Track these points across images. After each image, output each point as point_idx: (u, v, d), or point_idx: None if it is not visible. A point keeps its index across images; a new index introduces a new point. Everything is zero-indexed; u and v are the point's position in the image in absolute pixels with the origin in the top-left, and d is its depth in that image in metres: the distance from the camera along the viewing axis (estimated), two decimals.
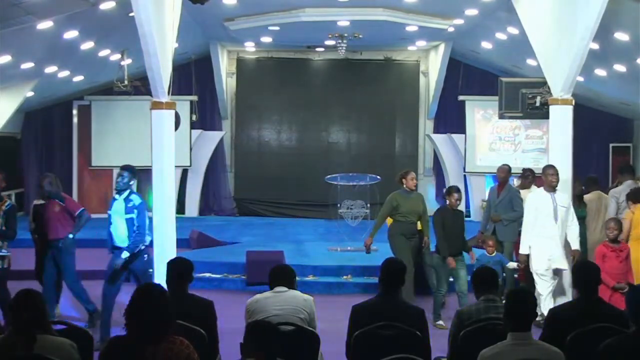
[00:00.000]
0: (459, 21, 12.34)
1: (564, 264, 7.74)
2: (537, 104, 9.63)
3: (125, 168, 7.70)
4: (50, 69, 11.89)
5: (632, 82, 10.86)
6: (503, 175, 9.78)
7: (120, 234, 7.44)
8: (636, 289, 4.07)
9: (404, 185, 8.80)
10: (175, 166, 8.69)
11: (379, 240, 12.12)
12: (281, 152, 16.83)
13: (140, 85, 12.22)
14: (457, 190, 8.41)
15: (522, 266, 8.05)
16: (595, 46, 9.60)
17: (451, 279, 8.51)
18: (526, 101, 10.01)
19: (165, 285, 4.99)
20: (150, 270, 7.81)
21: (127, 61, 12.62)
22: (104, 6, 9.07)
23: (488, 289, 4.97)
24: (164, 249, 8.16)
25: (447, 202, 8.38)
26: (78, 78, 13.68)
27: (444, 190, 9.04)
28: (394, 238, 8.70)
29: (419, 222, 8.92)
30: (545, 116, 8.85)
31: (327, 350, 5.14)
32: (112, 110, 15.56)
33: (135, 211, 7.40)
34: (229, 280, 10.15)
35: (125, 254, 7.30)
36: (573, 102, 8.29)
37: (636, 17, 8.56)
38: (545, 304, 7.47)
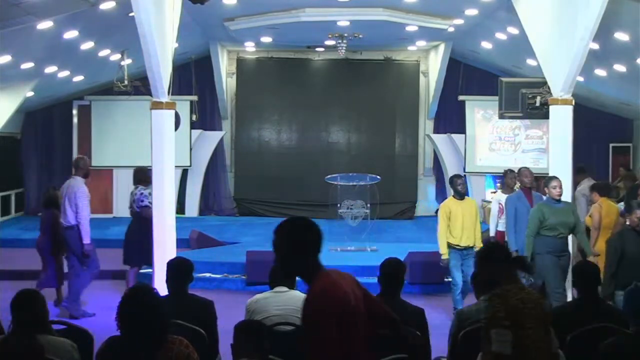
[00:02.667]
0: (459, 21, 12.33)
1: None
2: (537, 104, 9.64)
3: None
4: (50, 69, 11.89)
5: (632, 82, 10.86)
6: (531, 180, 8.43)
7: None
8: (636, 289, 4.07)
9: (547, 194, 7.60)
10: (175, 166, 8.70)
11: (379, 240, 12.17)
12: (281, 152, 16.83)
13: (140, 85, 12.21)
14: None
15: None
16: (595, 46, 9.59)
17: None
18: (526, 101, 10.02)
19: (165, 286, 5.01)
20: None
21: (127, 61, 12.63)
22: (104, 6, 9.07)
23: (488, 289, 4.96)
24: (164, 249, 8.17)
25: (628, 221, 6.71)
26: (78, 78, 13.68)
27: (624, 205, 7.39)
28: (541, 257, 7.36)
29: None
30: (545, 116, 8.86)
31: None
32: (112, 110, 15.56)
33: None
34: (229, 280, 10.15)
35: None
36: (573, 102, 8.29)
37: (636, 17, 8.56)
38: None
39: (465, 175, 16.01)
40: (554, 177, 7.61)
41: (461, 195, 8.33)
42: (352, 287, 3.17)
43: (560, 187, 7.46)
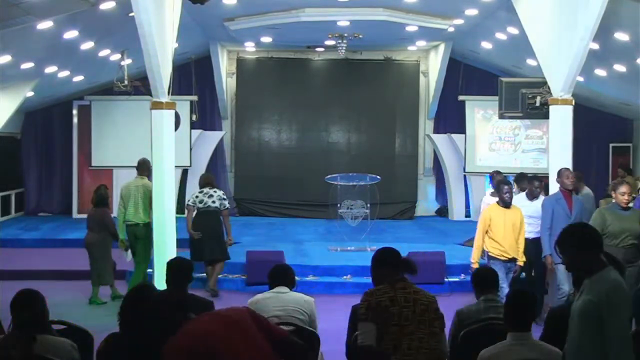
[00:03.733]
0: (459, 21, 12.33)
1: None
2: (537, 104, 9.64)
3: None
4: (50, 69, 11.88)
5: (632, 82, 10.86)
6: (572, 181, 7.66)
7: None
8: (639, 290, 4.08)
9: (613, 200, 7.04)
10: (175, 166, 8.72)
11: (379, 240, 12.15)
12: (281, 152, 16.82)
13: (140, 85, 12.20)
14: None
15: None
16: (595, 46, 9.60)
17: None
18: (526, 101, 10.03)
19: (165, 286, 5.00)
20: None
21: (127, 61, 12.61)
22: (104, 6, 9.06)
23: (488, 289, 4.98)
24: (164, 249, 8.18)
25: None
26: (78, 78, 13.67)
27: None
28: None
29: None
30: (545, 116, 8.87)
31: (327, 350, 5.14)
32: (112, 110, 15.55)
33: None
34: (229, 280, 10.14)
35: None
36: (573, 102, 8.30)
37: (636, 17, 8.56)
38: None
39: (465, 175, 16.06)
40: (624, 182, 7.07)
41: (507, 204, 7.66)
42: (221, 326, 3.10)
43: (629, 194, 6.87)
